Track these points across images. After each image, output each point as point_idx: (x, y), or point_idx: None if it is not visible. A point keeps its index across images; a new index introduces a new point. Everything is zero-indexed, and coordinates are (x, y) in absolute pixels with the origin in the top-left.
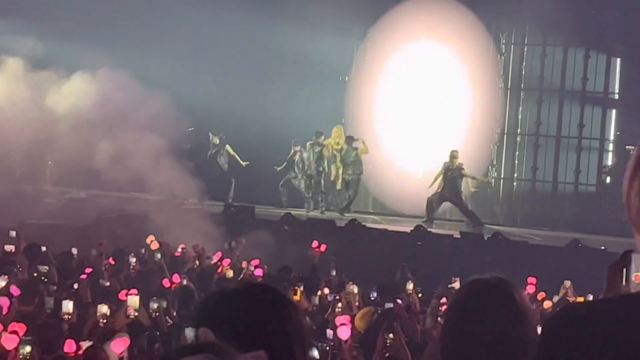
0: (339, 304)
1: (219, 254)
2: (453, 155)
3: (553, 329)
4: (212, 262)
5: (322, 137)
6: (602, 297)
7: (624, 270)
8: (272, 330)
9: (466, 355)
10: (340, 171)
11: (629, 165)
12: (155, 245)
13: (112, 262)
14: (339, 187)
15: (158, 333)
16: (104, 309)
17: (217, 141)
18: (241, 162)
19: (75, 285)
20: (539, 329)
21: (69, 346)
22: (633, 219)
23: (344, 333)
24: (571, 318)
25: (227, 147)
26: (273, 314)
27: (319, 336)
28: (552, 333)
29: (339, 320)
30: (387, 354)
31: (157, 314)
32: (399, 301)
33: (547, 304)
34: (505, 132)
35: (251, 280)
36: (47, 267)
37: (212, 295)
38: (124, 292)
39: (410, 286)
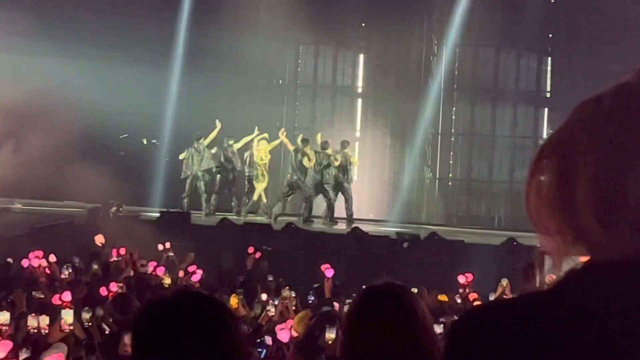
0: (271, 309)
1: (154, 264)
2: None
3: (457, 333)
4: (147, 271)
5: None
6: (506, 297)
7: (537, 270)
8: (209, 341)
9: None
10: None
11: (529, 165)
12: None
13: (48, 272)
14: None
15: (93, 342)
16: (35, 320)
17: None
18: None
19: (11, 296)
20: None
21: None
22: (533, 217)
23: (284, 336)
24: (473, 321)
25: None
26: (211, 325)
27: (258, 342)
28: (456, 337)
29: (278, 327)
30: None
31: (90, 324)
32: (337, 304)
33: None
34: (440, 132)
35: (188, 287)
36: None
37: (150, 305)
38: (57, 296)
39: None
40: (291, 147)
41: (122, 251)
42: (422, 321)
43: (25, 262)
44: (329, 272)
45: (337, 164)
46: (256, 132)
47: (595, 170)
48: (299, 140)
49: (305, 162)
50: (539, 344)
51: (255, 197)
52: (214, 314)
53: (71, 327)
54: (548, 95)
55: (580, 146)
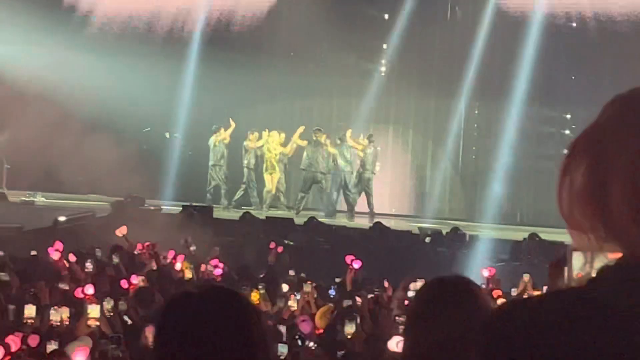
0: (293, 303)
1: (172, 252)
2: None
3: (490, 329)
4: (167, 260)
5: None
6: (539, 294)
7: (565, 268)
8: (233, 336)
9: (431, 356)
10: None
11: (562, 162)
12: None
13: (70, 265)
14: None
15: (119, 335)
16: (59, 313)
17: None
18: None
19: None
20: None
21: (32, 341)
22: (565, 216)
23: (306, 327)
24: (507, 317)
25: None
26: (235, 319)
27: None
28: (489, 333)
29: (300, 319)
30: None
31: (112, 314)
32: (359, 299)
33: (501, 302)
34: (463, 126)
35: (211, 281)
36: (7, 275)
37: (174, 299)
38: (79, 289)
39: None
40: (302, 143)
41: (144, 245)
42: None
43: (48, 255)
44: (355, 264)
45: (363, 157)
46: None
47: (630, 167)
48: (316, 136)
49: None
50: (572, 342)
51: (272, 190)
52: (238, 308)
53: (97, 322)
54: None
55: (614, 142)
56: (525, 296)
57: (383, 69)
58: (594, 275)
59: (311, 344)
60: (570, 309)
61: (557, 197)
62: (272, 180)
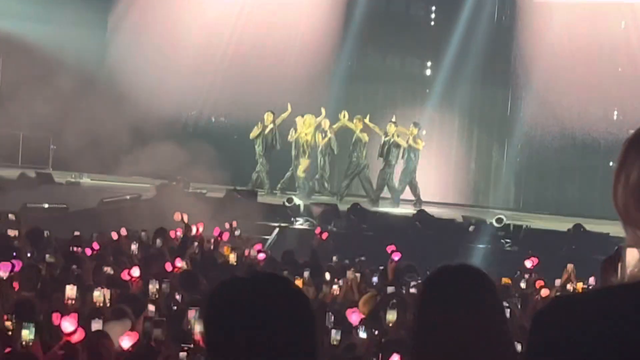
0: (336, 288)
1: (217, 230)
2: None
3: (544, 323)
4: (211, 240)
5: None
6: (592, 289)
7: (619, 264)
8: (283, 323)
9: (437, 344)
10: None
11: (617, 159)
12: (178, 217)
13: (120, 240)
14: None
15: (163, 319)
16: (101, 294)
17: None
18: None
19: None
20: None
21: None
22: (620, 211)
23: (355, 319)
24: (562, 311)
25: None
26: (284, 306)
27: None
28: (543, 327)
29: (349, 310)
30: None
31: (157, 296)
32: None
33: (545, 292)
34: (509, 116)
35: (254, 266)
36: (53, 258)
37: (222, 284)
38: (126, 271)
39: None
40: (354, 126)
41: (190, 228)
42: (494, 304)
43: (94, 237)
44: (395, 255)
45: (409, 145)
46: (323, 113)
47: None
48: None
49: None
50: (626, 337)
51: (300, 174)
52: (287, 295)
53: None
54: None
55: None
56: (569, 287)
57: (429, 63)
58: None
59: (360, 332)
60: (624, 305)
61: (613, 193)
62: (302, 167)
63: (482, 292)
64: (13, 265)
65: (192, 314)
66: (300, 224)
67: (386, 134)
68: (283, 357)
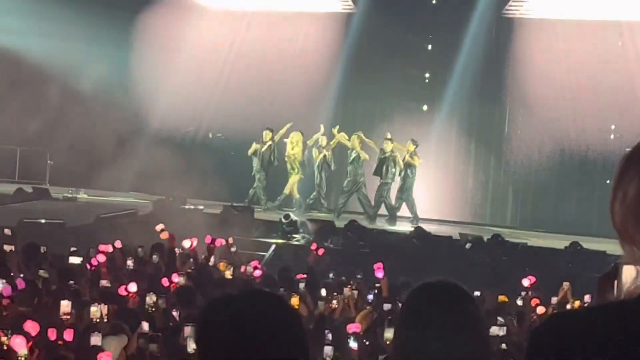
0: (333, 303)
1: (209, 238)
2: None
3: (541, 340)
4: (205, 259)
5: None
6: (589, 306)
7: (615, 281)
8: (275, 339)
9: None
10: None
11: (614, 176)
12: (164, 235)
13: (114, 254)
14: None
15: (158, 334)
16: (97, 309)
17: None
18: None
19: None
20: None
21: (67, 335)
22: (618, 229)
23: (353, 343)
24: (559, 328)
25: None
26: (276, 323)
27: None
28: (541, 344)
29: (350, 328)
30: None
31: (154, 309)
32: (400, 303)
33: (541, 310)
34: (506, 133)
35: (250, 282)
36: (47, 273)
37: (215, 300)
38: (123, 287)
39: None
40: (352, 144)
41: (186, 243)
42: (475, 321)
43: (91, 252)
44: (379, 273)
45: (406, 162)
46: (322, 129)
47: None
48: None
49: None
50: (624, 354)
51: (287, 191)
52: (279, 312)
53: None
54: None
55: None
56: (568, 306)
57: (427, 75)
58: None
59: (355, 345)
60: (621, 322)
61: (610, 210)
62: (291, 182)
63: (459, 306)
64: (16, 285)
65: (188, 329)
66: (297, 240)
67: (383, 151)
68: None
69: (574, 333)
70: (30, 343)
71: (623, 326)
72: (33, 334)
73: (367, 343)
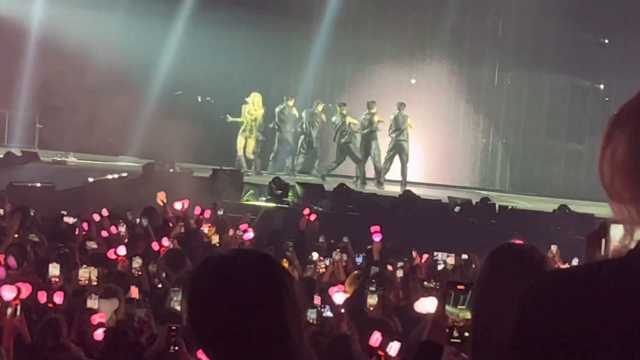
0: (322, 265)
1: (198, 209)
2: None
3: (533, 297)
4: (193, 220)
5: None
6: (580, 264)
7: (603, 240)
8: (266, 298)
9: (500, 322)
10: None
11: (603, 135)
12: (162, 196)
13: (101, 226)
14: None
15: (145, 299)
16: (87, 272)
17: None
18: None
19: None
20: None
21: (58, 297)
22: (607, 187)
23: (339, 298)
24: (551, 285)
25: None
26: (267, 281)
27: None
28: (533, 301)
29: (332, 290)
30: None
31: (140, 273)
32: (390, 267)
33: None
34: (493, 96)
35: (240, 246)
36: (36, 236)
37: (205, 262)
38: (112, 250)
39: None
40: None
41: (177, 205)
42: None
43: (79, 216)
44: (376, 236)
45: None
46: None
47: None
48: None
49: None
50: (611, 311)
51: (242, 152)
52: (270, 271)
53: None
54: None
55: None
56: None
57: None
58: (632, 247)
59: (342, 310)
60: (612, 280)
61: (599, 168)
62: (250, 145)
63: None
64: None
65: (176, 293)
66: (286, 203)
67: (370, 119)
68: (263, 333)
69: (566, 290)
70: (17, 301)
71: (611, 285)
72: (24, 296)
73: (352, 307)
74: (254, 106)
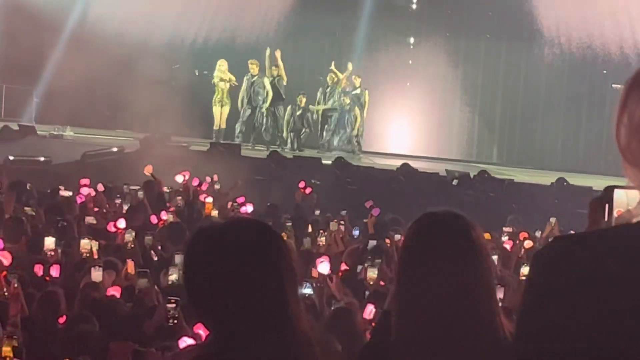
0: (322, 239)
1: (196, 180)
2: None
3: (546, 261)
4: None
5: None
6: (589, 230)
7: (607, 205)
8: (263, 264)
9: (422, 291)
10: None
11: (619, 99)
12: (149, 170)
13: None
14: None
15: (146, 270)
16: (88, 243)
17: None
18: None
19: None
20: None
21: (54, 270)
22: (622, 151)
23: (323, 268)
24: (564, 250)
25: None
26: (264, 248)
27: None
28: (545, 265)
29: (319, 260)
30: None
31: (132, 246)
32: (387, 240)
33: (528, 244)
34: (490, 69)
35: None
36: (33, 210)
37: (201, 229)
38: (111, 224)
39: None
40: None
41: (178, 178)
42: (482, 247)
43: (76, 189)
44: (374, 211)
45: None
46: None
47: None
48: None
49: None
50: (629, 275)
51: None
52: (266, 239)
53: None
54: None
55: None
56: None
57: (414, 6)
58: None
59: (334, 280)
60: (627, 244)
61: (615, 131)
62: (224, 114)
63: (469, 238)
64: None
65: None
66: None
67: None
68: (261, 300)
69: (579, 255)
70: (4, 273)
71: (627, 248)
72: (6, 264)
73: (351, 279)
74: (223, 73)
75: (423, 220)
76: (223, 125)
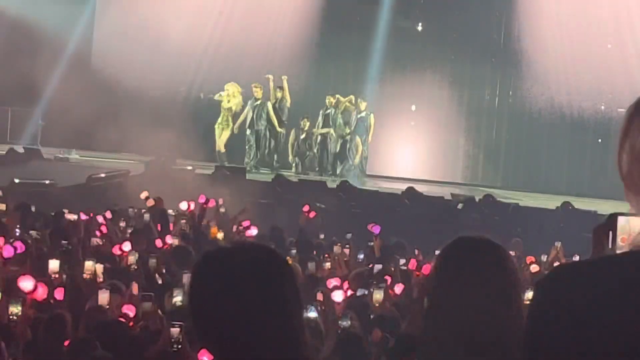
0: (327, 264)
1: (203, 197)
2: None
3: (550, 288)
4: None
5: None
6: (592, 258)
7: (610, 232)
8: (269, 290)
9: (455, 316)
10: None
11: (620, 127)
12: (150, 203)
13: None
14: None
15: (150, 294)
16: (92, 265)
17: None
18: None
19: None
20: (531, 291)
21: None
22: (624, 179)
23: (337, 296)
24: (566, 278)
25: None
26: (270, 274)
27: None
28: (549, 292)
29: (330, 282)
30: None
31: (136, 267)
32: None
33: (535, 268)
34: (497, 94)
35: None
36: (38, 233)
37: (208, 254)
38: (117, 246)
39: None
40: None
41: (182, 205)
42: (515, 275)
43: (81, 213)
44: (376, 229)
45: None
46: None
47: None
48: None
49: None
50: (628, 302)
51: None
52: (272, 264)
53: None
54: None
55: None
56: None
57: (419, 28)
58: None
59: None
60: (630, 272)
61: (617, 159)
62: (223, 137)
63: (500, 266)
64: (15, 248)
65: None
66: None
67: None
68: (266, 326)
69: (581, 283)
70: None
71: (631, 276)
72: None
73: (355, 304)
74: (230, 97)
75: (460, 245)
76: (222, 150)
